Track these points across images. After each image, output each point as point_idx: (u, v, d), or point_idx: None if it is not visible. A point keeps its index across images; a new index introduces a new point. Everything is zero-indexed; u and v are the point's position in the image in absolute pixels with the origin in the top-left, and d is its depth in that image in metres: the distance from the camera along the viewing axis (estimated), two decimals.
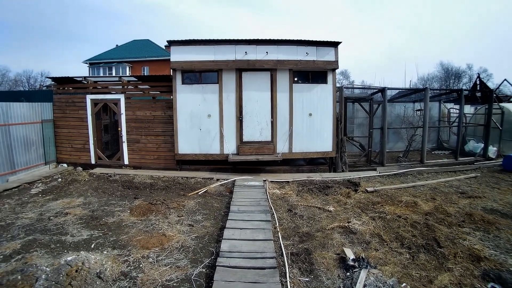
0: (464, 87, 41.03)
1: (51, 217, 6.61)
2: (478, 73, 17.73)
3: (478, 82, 14.52)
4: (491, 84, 26.82)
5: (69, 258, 4.49)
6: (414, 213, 6.87)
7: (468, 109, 16.65)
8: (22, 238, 5.59)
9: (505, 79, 15.45)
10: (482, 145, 13.44)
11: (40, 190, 8.74)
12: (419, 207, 7.25)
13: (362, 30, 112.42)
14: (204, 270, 4.57)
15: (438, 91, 20.55)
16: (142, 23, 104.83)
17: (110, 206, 7.50)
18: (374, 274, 4.36)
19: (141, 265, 4.65)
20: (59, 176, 10.17)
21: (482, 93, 13.89)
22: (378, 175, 10.49)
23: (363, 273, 4.35)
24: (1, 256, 4.87)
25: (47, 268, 4.25)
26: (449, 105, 16.90)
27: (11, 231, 5.89)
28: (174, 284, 4.20)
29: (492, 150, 13.24)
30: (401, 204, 7.45)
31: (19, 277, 4.08)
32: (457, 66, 57.87)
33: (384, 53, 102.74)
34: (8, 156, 9.62)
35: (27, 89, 48.88)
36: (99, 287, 4.08)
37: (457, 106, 14.70)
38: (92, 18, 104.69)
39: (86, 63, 38.21)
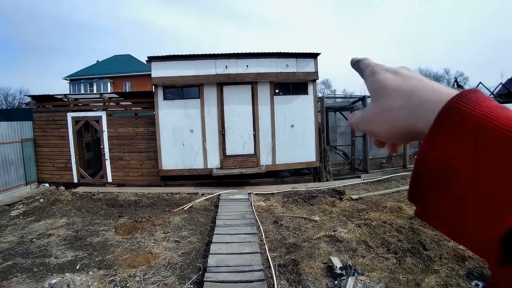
0: None
1: (34, 239, 6.45)
2: (455, 77, 18.28)
3: (456, 86, 14.97)
4: (468, 87, 27.54)
5: (53, 281, 4.41)
6: (399, 218, 6.97)
7: None
8: (0, 264, 5.44)
9: (480, 82, 15.95)
10: None
11: (21, 212, 8.53)
12: (404, 212, 7.35)
13: (346, 40, 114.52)
14: (192, 286, 4.54)
15: None
16: (124, 38, 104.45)
17: (94, 225, 7.38)
18: (362, 281, 4.42)
19: (128, 285, 4.59)
20: (41, 196, 9.96)
21: None
22: (363, 182, 10.62)
23: (350, 281, 4.39)
24: None
25: None
26: None
27: None
28: None
29: None
30: (386, 210, 7.56)
31: None
32: (435, 71, 59.48)
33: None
34: None
35: (5, 107, 47.91)
36: None
37: None
38: (73, 33, 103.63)
39: (67, 79, 37.71)
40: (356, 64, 0.53)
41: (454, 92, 0.36)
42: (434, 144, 0.34)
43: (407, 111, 0.40)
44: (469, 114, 0.32)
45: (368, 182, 10.66)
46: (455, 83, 15.24)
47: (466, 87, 24.26)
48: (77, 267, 5.25)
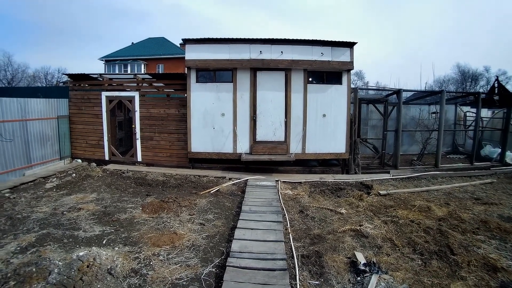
0: (481, 90, 40.12)
1: (65, 212, 6.70)
2: (497, 76, 17.34)
3: (496, 85, 14.20)
4: (510, 87, 26.15)
5: (81, 253, 4.56)
6: (427, 218, 6.75)
7: (485, 112, 16.30)
8: (37, 231, 5.69)
9: None
10: (499, 150, 13.16)
11: (55, 185, 8.87)
12: (433, 212, 7.12)
13: (380, 32, 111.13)
14: (214, 269, 4.58)
15: (454, 93, 20.23)
16: (159, 22, 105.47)
17: (122, 202, 7.58)
18: (385, 279, 4.32)
19: (151, 263, 4.68)
20: (73, 171, 10.31)
21: (501, 97, 13.57)
22: (391, 178, 10.35)
23: (374, 278, 4.30)
24: (18, 248, 4.99)
25: (59, 262, 4.32)
26: (465, 108, 16.54)
27: (27, 224, 6.01)
28: (184, 283, 4.22)
29: (510, 156, 12.93)
30: (414, 209, 7.34)
31: (33, 269, 4.17)
32: (474, 68, 56.35)
33: (401, 54, 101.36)
34: (25, 151, 9.81)
35: (44, 85, 49.67)
36: (110, 283, 4.12)
37: (474, 110, 14.44)
38: (109, 16, 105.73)
39: (102, 60, 38.73)
40: None
41: None
42: None
43: None
44: None
45: (397, 178, 10.38)
46: (496, 82, 14.40)
47: (508, 87, 23.07)
48: (104, 242, 5.40)
